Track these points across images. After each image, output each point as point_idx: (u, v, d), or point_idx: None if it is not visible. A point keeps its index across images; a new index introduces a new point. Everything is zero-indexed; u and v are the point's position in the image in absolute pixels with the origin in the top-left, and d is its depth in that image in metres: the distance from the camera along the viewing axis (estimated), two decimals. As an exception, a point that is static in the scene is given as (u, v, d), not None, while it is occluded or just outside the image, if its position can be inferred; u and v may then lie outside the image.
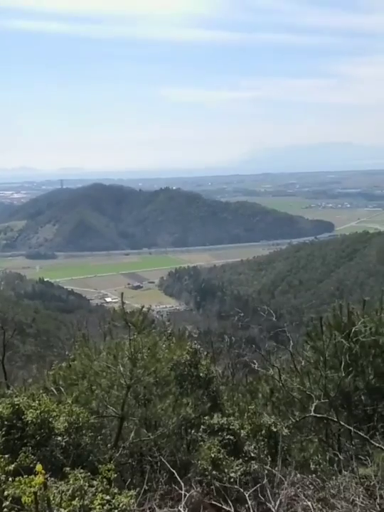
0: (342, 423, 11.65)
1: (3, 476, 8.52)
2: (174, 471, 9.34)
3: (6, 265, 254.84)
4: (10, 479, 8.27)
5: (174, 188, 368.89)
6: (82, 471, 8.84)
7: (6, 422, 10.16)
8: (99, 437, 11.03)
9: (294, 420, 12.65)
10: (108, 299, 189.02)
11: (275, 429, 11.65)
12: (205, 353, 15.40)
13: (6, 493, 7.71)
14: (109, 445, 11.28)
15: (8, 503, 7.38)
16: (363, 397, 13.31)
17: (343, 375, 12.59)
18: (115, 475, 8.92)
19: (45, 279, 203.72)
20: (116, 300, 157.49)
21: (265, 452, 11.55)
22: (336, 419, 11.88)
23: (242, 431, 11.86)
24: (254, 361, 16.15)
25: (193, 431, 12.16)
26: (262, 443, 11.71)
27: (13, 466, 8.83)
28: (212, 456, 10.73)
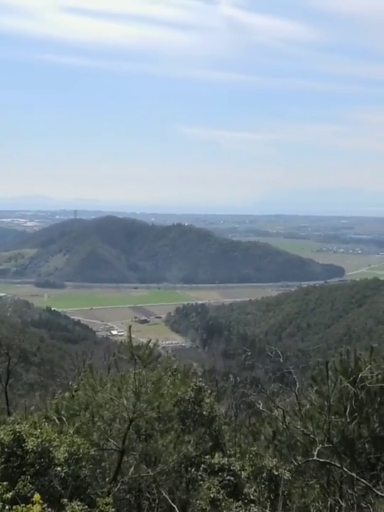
0: (345, 469, 11.46)
1: (0, 503, 8.46)
2: (175, 506, 9.22)
3: (15, 292, 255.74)
4: (7, 507, 8.21)
5: (186, 224, 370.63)
6: (79, 503, 8.77)
7: (6, 449, 10.11)
8: (98, 470, 10.93)
9: (296, 464, 12.47)
10: (114, 332, 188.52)
11: (276, 473, 11.49)
12: (210, 391, 15.30)
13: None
14: (107, 479, 11.15)
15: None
16: (366, 445, 13.11)
17: (348, 421, 12.44)
18: (113, 510, 8.83)
19: (53, 308, 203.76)
20: (122, 333, 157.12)
21: (265, 495, 11.37)
22: (339, 465, 11.70)
23: (242, 472, 11.72)
24: (260, 402, 16.00)
25: (193, 469, 12.02)
26: (263, 486, 11.54)
27: (10, 494, 8.78)
28: (212, 496, 10.58)
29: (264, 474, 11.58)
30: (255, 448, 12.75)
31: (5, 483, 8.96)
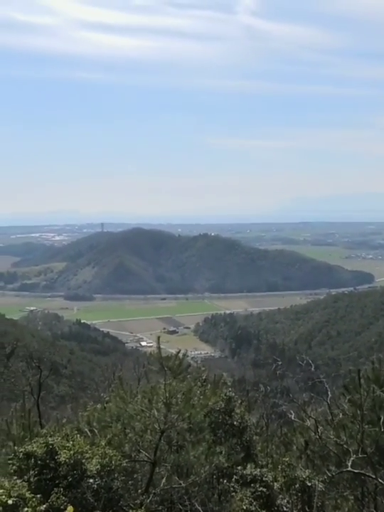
0: (380, 480, 11.27)
1: (34, 516, 8.52)
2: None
3: (45, 306, 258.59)
4: (41, 520, 8.27)
5: (213, 234, 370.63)
6: (112, 515, 8.78)
7: (39, 462, 10.20)
8: (130, 482, 10.94)
9: (329, 475, 12.29)
10: (143, 343, 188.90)
11: (309, 484, 11.34)
12: (240, 401, 15.21)
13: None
14: (139, 490, 11.15)
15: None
16: (401, 455, 12.89)
17: (382, 430, 12.25)
18: (145, 521, 8.81)
19: (82, 321, 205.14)
20: (152, 344, 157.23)
21: (298, 507, 11.23)
22: (373, 476, 11.51)
23: (275, 483, 11.59)
24: (291, 411, 15.86)
25: (225, 481, 11.93)
26: (296, 497, 11.39)
27: (44, 506, 8.84)
28: (244, 508, 10.49)
29: (297, 485, 11.43)
30: (287, 458, 12.60)
31: (38, 495, 9.03)
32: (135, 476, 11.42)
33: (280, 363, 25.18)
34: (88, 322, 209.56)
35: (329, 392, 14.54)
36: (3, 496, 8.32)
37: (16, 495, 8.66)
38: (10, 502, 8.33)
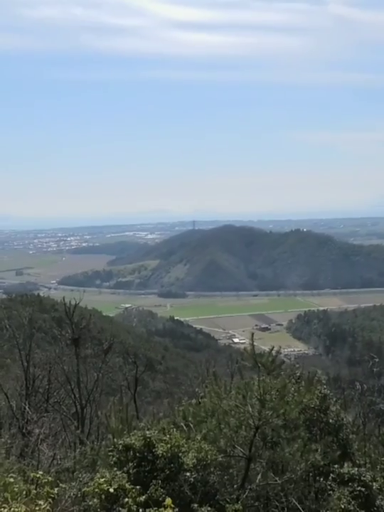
0: None
1: (134, 506, 8.83)
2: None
3: (139, 303, 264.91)
4: (141, 510, 8.56)
5: (305, 230, 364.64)
6: (209, 508, 8.93)
7: (137, 454, 10.53)
8: (226, 477, 11.06)
9: None
10: (236, 340, 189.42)
11: (411, 485, 11.00)
12: (335, 399, 14.95)
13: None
14: (235, 485, 11.24)
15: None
16: None
17: None
18: (242, 516, 8.89)
19: (175, 318, 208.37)
20: (244, 341, 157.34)
21: (400, 509, 10.92)
22: None
23: (374, 483, 11.32)
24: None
25: (321, 479, 11.79)
26: (396, 498, 11.09)
27: (143, 497, 9.14)
28: (342, 507, 10.35)
29: (398, 486, 11.13)
30: (386, 458, 12.27)
31: (138, 486, 9.34)
32: (231, 471, 11.52)
33: (377, 360, 24.48)
34: (181, 319, 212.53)
35: None
36: (105, 485, 8.69)
37: (116, 486, 9.02)
38: (111, 490, 8.68)
